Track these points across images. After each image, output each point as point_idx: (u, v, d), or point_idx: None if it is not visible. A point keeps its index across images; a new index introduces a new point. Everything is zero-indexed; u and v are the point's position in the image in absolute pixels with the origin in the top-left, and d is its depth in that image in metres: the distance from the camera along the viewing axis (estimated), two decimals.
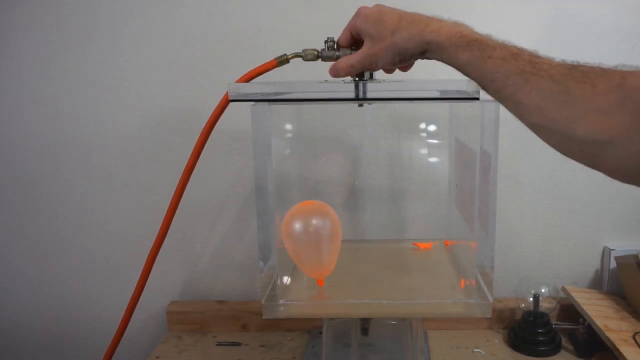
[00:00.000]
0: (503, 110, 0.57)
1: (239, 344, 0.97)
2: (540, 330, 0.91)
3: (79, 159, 1.01)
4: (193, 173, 1.02)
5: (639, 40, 0.93)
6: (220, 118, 0.96)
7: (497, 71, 0.49)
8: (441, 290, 0.72)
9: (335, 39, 0.63)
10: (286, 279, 0.74)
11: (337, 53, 0.63)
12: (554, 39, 0.94)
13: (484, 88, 0.52)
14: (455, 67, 0.53)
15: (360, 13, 0.58)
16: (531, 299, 0.93)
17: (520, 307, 0.95)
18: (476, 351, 0.92)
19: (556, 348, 0.91)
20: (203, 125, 1.05)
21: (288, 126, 0.87)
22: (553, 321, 0.94)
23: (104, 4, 0.95)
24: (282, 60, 0.66)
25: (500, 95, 0.50)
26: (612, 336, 0.82)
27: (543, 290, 0.94)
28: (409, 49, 0.55)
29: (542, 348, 0.90)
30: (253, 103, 0.63)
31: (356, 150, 0.99)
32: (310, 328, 1.01)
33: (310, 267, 0.69)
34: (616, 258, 0.96)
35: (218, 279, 1.06)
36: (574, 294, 0.94)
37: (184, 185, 0.74)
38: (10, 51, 0.98)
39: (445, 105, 0.88)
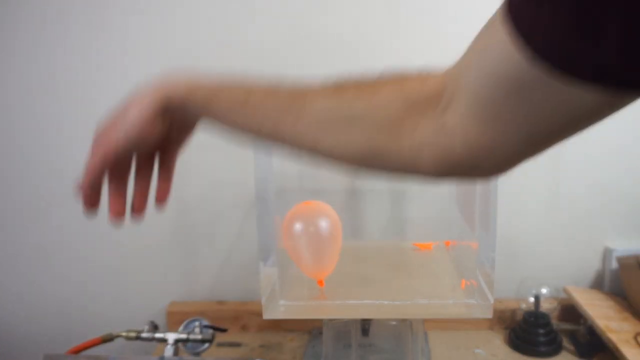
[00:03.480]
0: None
1: (239, 345, 0.97)
2: (541, 331, 0.91)
3: (81, 158, 1.01)
4: (195, 174, 1.02)
5: None
6: None
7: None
8: (442, 291, 0.71)
9: None
10: (286, 280, 0.74)
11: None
12: None
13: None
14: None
15: None
16: (532, 299, 0.93)
17: (521, 307, 0.95)
18: (477, 352, 0.92)
19: (557, 349, 0.91)
20: (202, 126, 1.04)
21: None
22: (554, 322, 0.93)
23: (109, 9, 0.95)
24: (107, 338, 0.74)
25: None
26: (614, 337, 0.81)
27: (544, 291, 0.94)
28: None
29: (543, 349, 0.90)
30: None
31: None
32: (310, 328, 1.01)
33: (310, 268, 0.69)
34: (617, 258, 0.96)
35: (218, 279, 1.06)
36: (575, 295, 0.94)
37: None
38: (11, 52, 0.98)
39: None
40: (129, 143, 0.45)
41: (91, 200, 0.48)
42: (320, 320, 0.85)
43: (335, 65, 0.96)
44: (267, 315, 0.66)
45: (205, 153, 1.00)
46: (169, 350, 0.72)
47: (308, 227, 0.65)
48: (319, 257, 0.67)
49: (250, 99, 0.42)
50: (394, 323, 0.77)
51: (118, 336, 0.74)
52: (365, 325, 0.76)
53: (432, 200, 0.97)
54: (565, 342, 0.93)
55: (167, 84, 0.44)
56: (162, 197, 0.52)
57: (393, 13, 0.94)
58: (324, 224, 0.65)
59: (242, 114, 0.42)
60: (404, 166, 0.40)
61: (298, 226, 0.65)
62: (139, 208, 0.51)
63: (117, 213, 0.49)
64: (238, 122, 0.43)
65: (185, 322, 0.77)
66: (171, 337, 0.73)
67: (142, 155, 0.50)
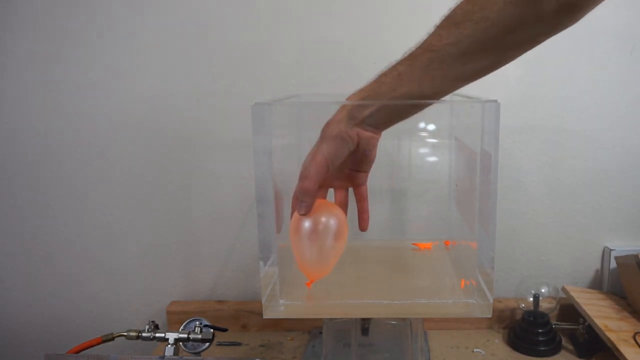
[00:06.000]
0: (503, 110, 0.57)
1: (239, 344, 0.97)
2: (540, 330, 0.91)
3: (81, 159, 1.01)
4: (195, 175, 1.02)
5: (639, 40, 0.93)
6: (224, 122, 0.95)
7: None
8: (441, 291, 0.71)
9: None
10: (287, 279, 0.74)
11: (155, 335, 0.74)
12: (553, 39, 0.93)
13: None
14: None
15: None
16: (531, 299, 0.93)
17: (521, 307, 0.95)
18: (476, 351, 0.92)
19: (556, 348, 0.91)
20: (202, 127, 1.05)
21: (288, 126, 0.87)
22: (553, 321, 0.94)
23: (105, 4, 0.95)
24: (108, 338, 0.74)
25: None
26: (612, 336, 0.82)
27: (543, 290, 0.94)
28: None
29: (542, 348, 0.90)
30: (254, 104, 0.63)
31: None
32: (310, 328, 1.01)
33: (309, 267, 0.68)
34: (616, 258, 0.96)
35: (218, 279, 1.06)
36: (574, 294, 0.94)
37: None
38: (11, 49, 0.98)
39: (446, 104, 0.88)
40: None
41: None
42: (320, 320, 0.85)
43: (335, 67, 0.97)
44: (267, 315, 0.66)
45: (205, 153, 1.01)
46: (169, 350, 0.72)
47: (317, 225, 0.64)
48: (323, 256, 0.66)
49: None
50: (393, 322, 0.78)
51: (119, 336, 0.74)
52: (365, 325, 0.76)
53: (432, 200, 0.98)
54: (565, 342, 0.93)
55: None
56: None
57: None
58: (332, 223, 0.65)
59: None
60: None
61: (307, 223, 0.64)
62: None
63: None
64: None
65: (185, 322, 0.77)
66: (172, 336, 0.73)
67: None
